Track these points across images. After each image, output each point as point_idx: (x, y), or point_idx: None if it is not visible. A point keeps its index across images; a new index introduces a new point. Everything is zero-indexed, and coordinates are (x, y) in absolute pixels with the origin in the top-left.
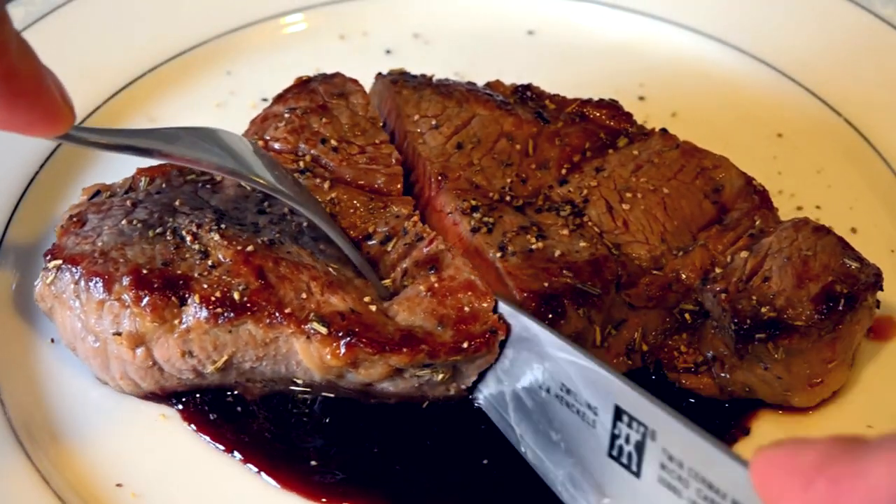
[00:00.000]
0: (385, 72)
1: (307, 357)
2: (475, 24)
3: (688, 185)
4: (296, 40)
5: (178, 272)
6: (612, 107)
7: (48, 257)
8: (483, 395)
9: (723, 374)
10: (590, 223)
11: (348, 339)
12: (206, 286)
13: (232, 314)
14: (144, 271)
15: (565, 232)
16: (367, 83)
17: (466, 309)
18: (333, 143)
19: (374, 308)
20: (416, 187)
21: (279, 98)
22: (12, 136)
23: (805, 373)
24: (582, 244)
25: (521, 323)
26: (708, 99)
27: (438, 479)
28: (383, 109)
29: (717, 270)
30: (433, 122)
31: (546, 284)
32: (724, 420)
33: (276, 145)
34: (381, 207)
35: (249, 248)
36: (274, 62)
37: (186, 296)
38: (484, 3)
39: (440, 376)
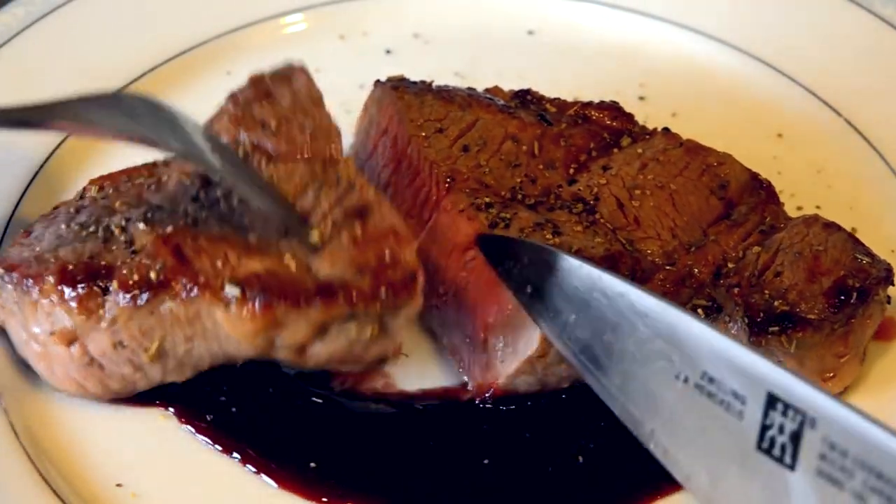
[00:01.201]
0: (384, 72)
1: (230, 326)
2: (475, 24)
3: (694, 181)
4: (296, 40)
5: (102, 263)
6: (613, 108)
7: None
8: (609, 387)
9: None
10: (602, 220)
11: (262, 296)
12: (125, 272)
13: (148, 293)
14: (70, 267)
15: (579, 228)
16: (367, 83)
17: (387, 256)
18: (273, 125)
19: (293, 264)
20: (421, 192)
21: (231, 95)
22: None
23: (818, 367)
24: (597, 240)
25: (661, 310)
26: (708, 99)
27: (438, 479)
28: (384, 115)
29: (730, 265)
30: (437, 126)
31: None
32: None
33: (222, 136)
34: (320, 170)
35: (169, 229)
36: (274, 62)
37: (107, 285)
38: (484, 3)
39: (368, 331)
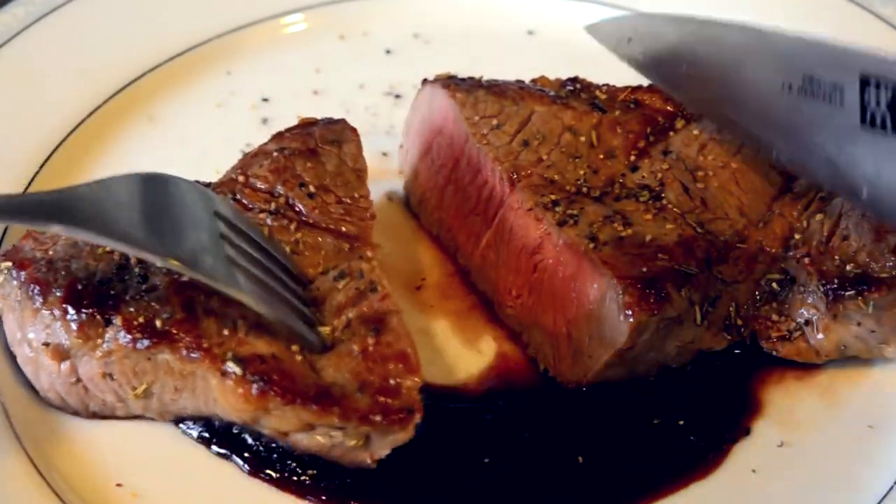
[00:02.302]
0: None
1: (221, 396)
2: (475, 24)
3: (753, 157)
4: (296, 40)
5: (111, 292)
6: (662, 91)
7: (2, 258)
8: (729, 114)
9: (818, 336)
10: (669, 205)
11: (261, 383)
12: (132, 310)
13: (149, 342)
14: (79, 286)
15: (649, 216)
16: (367, 83)
17: (392, 381)
18: (311, 188)
19: (300, 357)
20: (484, 190)
21: (277, 135)
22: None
23: (895, 323)
24: (668, 226)
25: (760, 33)
26: None
27: (438, 478)
28: (436, 115)
29: (797, 237)
30: (494, 122)
31: (644, 269)
32: (724, 420)
33: (258, 183)
34: (347, 249)
35: (185, 277)
36: (274, 62)
37: (112, 317)
38: (484, 3)
39: (352, 442)
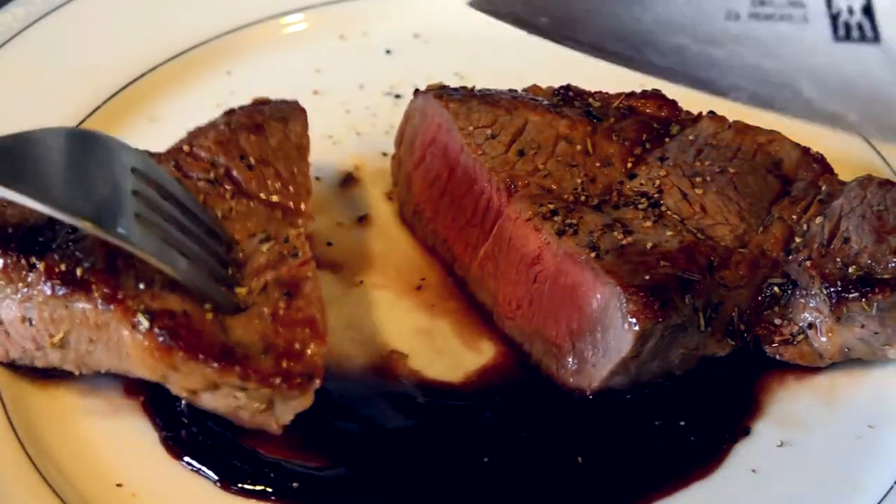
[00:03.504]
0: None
1: (131, 349)
2: (475, 24)
3: (750, 162)
4: (296, 40)
5: (40, 238)
6: (656, 97)
7: None
8: (671, 65)
9: (822, 339)
10: (669, 212)
11: (167, 338)
12: (56, 257)
13: (66, 289)
14: (10, 230)
15: (648, 224)
16: (367, 83)
17: (296, 346)
18: (252, 160)
19: (210, 316)
20: (481, 200)
21: (229, 111)
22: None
23: None
24: (668, 233)
25: None
26: (708, 99)
27: (437, 477)
28: (430, 125)
29: (797, 240)
30: (488, 133)
31: (647, 277)
32: (724, 420)
33: (201, 153)
34: (280, 217)
35: None
36: (274, 62)
37: (36, 262)
38: None
39: (255, 404)
